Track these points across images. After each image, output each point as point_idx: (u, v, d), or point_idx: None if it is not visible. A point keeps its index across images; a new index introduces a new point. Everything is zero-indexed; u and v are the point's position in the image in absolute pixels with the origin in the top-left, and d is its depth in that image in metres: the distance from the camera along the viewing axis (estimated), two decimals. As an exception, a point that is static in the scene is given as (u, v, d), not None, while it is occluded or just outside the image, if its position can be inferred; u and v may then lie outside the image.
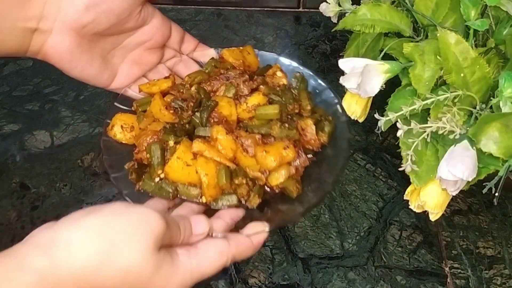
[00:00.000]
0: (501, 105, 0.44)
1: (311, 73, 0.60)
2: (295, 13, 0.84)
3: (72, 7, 0.51)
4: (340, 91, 0.57)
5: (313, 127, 0.53)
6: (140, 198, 0.49)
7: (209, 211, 0.48)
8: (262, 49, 0.77)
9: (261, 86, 0.56)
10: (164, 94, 0.57)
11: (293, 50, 0.78)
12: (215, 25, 0.82)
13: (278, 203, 0.50)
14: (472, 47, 0.48)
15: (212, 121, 0.53)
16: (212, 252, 0.40)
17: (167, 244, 0.38)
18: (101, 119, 0.67)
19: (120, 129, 0.54)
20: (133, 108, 0.57)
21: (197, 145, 0.50)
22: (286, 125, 0.53)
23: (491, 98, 0.46)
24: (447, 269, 0.53)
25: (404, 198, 0.51)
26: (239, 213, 0.48)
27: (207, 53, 0.63)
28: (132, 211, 0.37)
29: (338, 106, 0.57)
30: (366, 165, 0.62)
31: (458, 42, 0.47)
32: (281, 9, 0.85)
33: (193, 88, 0.56)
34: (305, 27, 0.82)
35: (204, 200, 0.49)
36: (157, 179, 0.50)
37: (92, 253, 0.33)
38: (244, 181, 0.49)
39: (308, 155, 0.54)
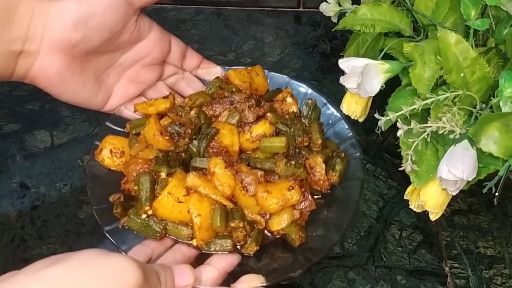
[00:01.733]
0: (501, 105, 0.44)
1: (324, 101, 0.55)
2: (295, 12, 0.84)
3: (59, 25, 0.46)
4: (341, 92, 0.57)
5: (323, 166, 0.48)
6: (123, 236, 0.44)
7: (201, 256, 0.44)
8: (262, 48, 0.77)
9: (268, 114, 0.51)
10: (161, 116, 0.52)
11: (293, 50, 0.77)
12: (215, 25, 0.82)
13: (278, 251, 0.45)
14: (472, 47, 0.48)
15: (211, 151, 0.48)
16: None
17: None
18: (101, 119, 0.66)
19: (109, 153, 0.49)
20: (126, 130, 0.52)
21: (192, 179, 0.45)
22: (293, 162, 0.47)
23: (491, 98, 0.46)
24: (447, 269, 0.53)
25: (404, 198, 0.51)
26: (234, 260, 0.43)
27: (212, 71, 0.58)
28: (103, 261, 0.32)
29: (354, 140, 0.51)
30: (366, 165, 0.62)
31: (458, 42, 0.47)
32: (281, 9, 0.84)
33: (193, 112, 0.51)
34: (305, 26, 0.82)
35: (194, 243, 0.44)
36: (144, 216, 0.45)
37: None
38: (241, 224, 0.44)
39: (315, 196, 0.48)
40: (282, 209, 0.45)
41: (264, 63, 0.75)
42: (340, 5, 0.65)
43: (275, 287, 0.50)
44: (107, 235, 0.44)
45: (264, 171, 0.47)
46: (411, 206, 0.51)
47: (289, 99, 0.54)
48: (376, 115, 0.49)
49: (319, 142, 0.51)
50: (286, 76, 0.58)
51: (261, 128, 0.50)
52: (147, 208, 0.45)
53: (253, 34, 0.80)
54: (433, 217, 0.50)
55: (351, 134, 0.52)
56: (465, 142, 0.45)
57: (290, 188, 0.45)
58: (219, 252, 0.44)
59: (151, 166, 0.47)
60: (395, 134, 0.48)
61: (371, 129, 0.64)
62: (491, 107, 0.47)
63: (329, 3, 0.66)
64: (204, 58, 0.59)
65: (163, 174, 0.46)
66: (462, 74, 0.47)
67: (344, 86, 0.54)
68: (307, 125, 0.53)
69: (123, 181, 0.48)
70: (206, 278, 0.39)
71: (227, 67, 0.58)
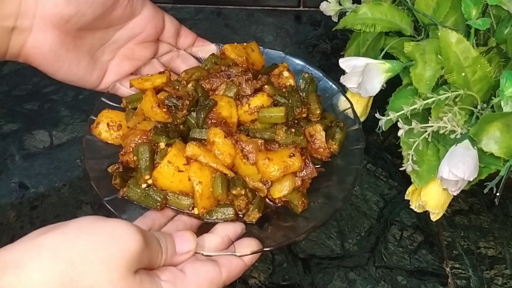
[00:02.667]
0: (502, 104, 0.44)
1: (321, 74, 0.55)
2: (296, 12, 0.84)
3: (51, 0, 0.45)
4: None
5: (323, 133, 0.48)
6: (123, 207, 0.43)
7: (203, 227, 0.44)
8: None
9: (266, 86, 0.50)
10: (157, 91, 0.51)
11: (294, 49, 0.77)
12: (215, 24, 0.81)
13: (281, 219, 0.45)
14: (473, 47, 0.48)
15: (209, 122, 0.48)
16: (202, 281, 0.35)
17: (146, 266, 0.33)
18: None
19: (106, 127, 0.49)
20: (122, 105, 0.51)
21: (191, 148, 0.44)
22: (293, 130, 0.47)
23: (492, 97, 0.46)
24: (448, 269, 0.52)
25: (405, 198, 0.51)
26: (237, 229, 0.42)
27: (207, 49, 0.57)
28: (102, 226, 0.31)
29: (351, 111, 0.52)
30: (367, 165, 0.62)
31: (459, 41, 0.47)
32: (281, 8, 0.84)
33: (190, 85, 0.50)
34: (306, 26, 0.82)
35: (196, 211, 0.44)
36: (144, 186, 0.44)
37: (48, 278, 0.28)
38: (243, 192, 0.43)
39: (316, 166, 0.48)
40: (283, 176, 0.45)
41: (264, 62, 0.75)
42: (340, 4, 0.65)
43: (275, 286, 0.51)
44: (107, 205, 0.42)
45: (264, 140, 0.47)
46: (412, 206, 0.51)
47: (285, 73, 0.53)
48: (377, 115, 0.49)
49: (318, 112, 0.51)
50: (281, 52, 0.57)
51: (259, 100, 0.49)
52: (147, 177, 0.44)
53: (253, 34, 0.80)
54: (434, 217, 0.50)
55: (349, 105, 0.52)
56: (466, 142, 0.45)
57: (291, 155, 0.44)
58: (221, 221, 0.43)
59: (150, 136, 0.46)
60: (396, 134, 0.48)
61: (371, 129, 0.64)
62: (492, 106, 0.47)
63: (330, 2, 0.66)
64: (198, 36, 0.59)
65: (162, 144, 0.45)
66: (463, 74, 0.47)
67: (344, 85, 0.54)
68: (305, 97, 0.52)
69: (121, 152, 0.47)
70: (209, 244, 0.38)
71: (221, 45, 0.57)
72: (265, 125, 0.49)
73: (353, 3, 0.64)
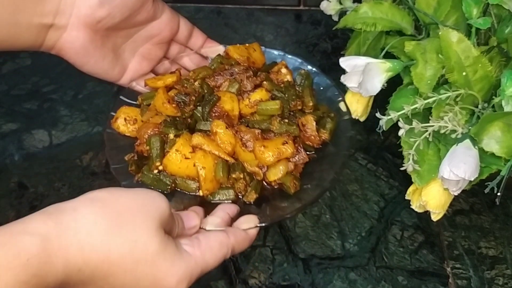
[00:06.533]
0: (503, 104, 0.44)
1: (316, 71, 0.60)
2: (296, 11, 0.84)
3: (87, 2, 0.52)
4: (342, 90, 0.57)
5: (314, 123, 0.53)
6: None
7: (206, 209, 0.48)
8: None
9: (265, 82, 0.56)
10: (169, 88, 0.58)
11: (294, 49, 0.77)
12: (215, 23, 0.81)
13: (276, 199, 0.50)
14: (474, 46, 0.48)
15: (213, 115, 0.53)
16: (213, 243, 0.40)
17: (167, 233, 0.38)
18: (100, 118, 0.66)
19: (124, 121, 0.56)
20: (138, 102, 0.58)
21: (197, 138, 0.50)
22: (286, 120, 0.53)
23: (493, 97, 0.46)
24: (448, 269, 0.52)
25: (406, 198, 0.51)
26: (233, 209, 0.47)
27: (215, 49, 0.63)
28: (137, 191, 0.38)
29: (342, 104, 0.57)
30: (368, 165, 0.62)
31: (460, 40, 0.47)
32: (281, 7, 0.84)
33: (196, 83, 0.56)
34: (306, 25, 0.81)
35: (201, 193, 0.50)
36: (155, 171, 0.51)
37: (98, 220, 0.34)
38: (242, 176, 0.49)
39: (308, 152, 0.53)
40: (277, 161, 0.50)
41: (264, 62, 0.75)
42: (341, 4, 0.65)
43: (275, 286, 0.51)
44: None
45: (261, 130, 0.52)
46: (413, 206, 0.51)
47: (283, 70, 0.58)
48: (378, 114, 0.48)
49: (311, 104, 0.56)
50: (281, 51, 0.63)
51: (259, 94, 0.54)
52: (158, 164, 0.50)
53: (253, 33, 0.80)
54: (434, 217, 0.50)
55: (340, 98, 0.57)
56: (467, 141, 0.45)
57: (284, 142, 0.50)
58: (224, 201, 0.49)
59: (161, 129, 0.52)
60: (396, 133, 0.47)
61: (372, 128, 0.64)
62: (493, 106, 0.46)
63: (330, 2, 0.66)
64: (208, 38, 0.64)
65: (171, 135, 0.52)
66: (464, 73, 0.47)
67: (345, 85, 0.53)
68: (300, 91, 0.57)
69: (136, 143, 0.54)
70: (212, 221, 0.44)
71: (227, 45, 0.63)
72: (263, 117, 0.54)
73: (353, 2, 0.64)
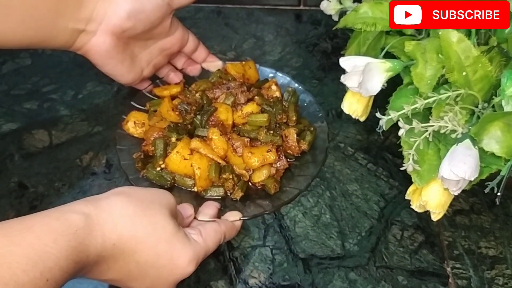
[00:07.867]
0: (503, 104, 0.44)
1: (302, 89, 0.68)
2: (296, 11, 0.84)
3: (117, 14, 0.58)
4: (342, 91, 0.57)
5: (295, 135, 0.60)
6: (143, 184, 0.57)
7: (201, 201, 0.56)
8: (263, 47, 0.77)
9: (256, 97, 0.64)
10: (173, 97, 0.65)
11: (294, 49, 0.77)
12: (215, 23, 0.81)
13: (258, 197, 0.58)
14: (474, 46, 0.48)
15: (210, 123, 0.61)
16: (210, 231, 0.48)
17: None
18: (100, 118, 0.66)
19: (133, 124, 0.63)
20: (146, 108, 0.66)
21: (195, 142, 0.58)
22: (271, 132, 0.61)
23: (493, 97, 0.46)
24: (448, 269, 0.52)
25: (406, 197, 0.51)
26: (217, 205, 0.54)
27: (215, 64, 0.71)
28: (151, 188, 0.48)
29: (322, 120, 0.64)
30: (368, 165, 0.62)
31: (460, 40, 0.47)
32: (281, 7, 0.84)
33: (197, 94, 0.64)
34: (306, 25, 0.81)
35: (196, 189, 0.58)
36: (158, 169, 0.58)
37: (125, 205, 0.42)
38: (231, 177, 0.57)
39: (289, 159, 0.60)
40: (262, 166, 0.58)
41: (264, 61, 0.75)
42: (341, 3, 0.65)
43: (275, 286, 0.51)
44: (131, 182, 0.57)
45: (250, 139, 0.60)
46: (413, 206, 0.50)
47: (273, 87, 0.66)
48: (378, 114, 0.48)
49: (294, 118, 0.63)
50: (273, 70, 0.70)
51: (250, 107, 0.63)
52: (160, 162, 0.58)
53: (253, 33, 0.80)
54: (434, 217, 0.50)
55: (320, 114, 0.65)
56: (467, 141, 0.45)
57: (269, 150, 0.58)
58: (215, 197, 0.57)
59: (165, 133, 0.60)
60: (396, 133, 0.47)
61: (372, 128, 0.64)
62: (493, 106, 0.46)
63: (330, 1, 0.66)
64: (211, 53, 0.72)
65: (173, 139, 0.59)
66: (464, 73, 0.47)
67: (345, 85, 0.53)
68: (286, 106, 0.65)
69: (143, 144, 0.61)
70: (205, 213, 0.52)
71: (227, 62, 0.71)
72: (252, 127, 0.62)
73: (353, 2, 0.64)
